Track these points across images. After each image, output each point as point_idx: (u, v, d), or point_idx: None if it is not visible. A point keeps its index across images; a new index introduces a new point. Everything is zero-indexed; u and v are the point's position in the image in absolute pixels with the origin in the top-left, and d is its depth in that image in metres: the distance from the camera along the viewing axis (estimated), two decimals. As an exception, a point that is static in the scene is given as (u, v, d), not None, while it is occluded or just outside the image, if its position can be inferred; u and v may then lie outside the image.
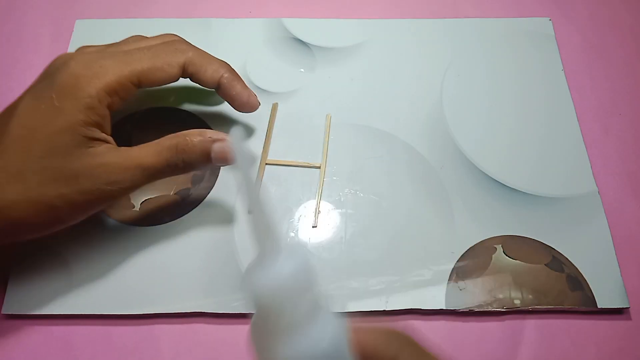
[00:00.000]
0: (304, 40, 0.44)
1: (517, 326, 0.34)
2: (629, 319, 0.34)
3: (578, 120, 0.40)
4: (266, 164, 0.38)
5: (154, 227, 0.36)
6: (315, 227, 0.36)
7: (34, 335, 0.33)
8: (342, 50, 0.43)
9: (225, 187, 0.37)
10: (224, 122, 0.40)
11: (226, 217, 0.36)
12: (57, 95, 0.29)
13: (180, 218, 0.36)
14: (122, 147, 0.31)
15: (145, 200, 0.37)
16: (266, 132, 0.39)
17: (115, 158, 0.30)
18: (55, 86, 0.29)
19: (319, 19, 0.45)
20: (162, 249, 0.35)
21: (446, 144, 0.39)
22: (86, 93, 0.29)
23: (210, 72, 0.33)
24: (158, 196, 0.37)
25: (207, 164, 0.31)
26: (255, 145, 0.39)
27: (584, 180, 0.38)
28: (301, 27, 0.44)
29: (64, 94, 0.29)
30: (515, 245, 0.35)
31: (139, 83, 0.31)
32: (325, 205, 0.37)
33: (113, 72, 0.30)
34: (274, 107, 0.40)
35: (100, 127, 0.30)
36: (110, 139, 0.31)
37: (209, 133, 0.31)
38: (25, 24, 0.45)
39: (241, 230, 0.36)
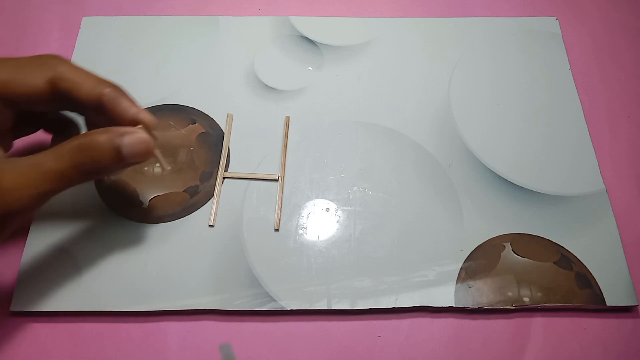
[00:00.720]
0: (312, 38, 0.44)
1: (525, 324, 0.34)
2: (638, 316, 0.34)
3: (586, 120, 0.40)
4: (224, 177, 0.37)
5: (162, 224, 0.36)
6: (277, 229, 0.36)
7: (42, 332, 0.33)
8: (350, 48, 0.43)
9: (234, 184, 0.37)
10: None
11: (235, 215, 0.36)
12: None
13: (189, 215, 0.36)
14: (13, 157, 0.28)
15: (154, 197, 0.37)
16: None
17: (7, 165, 0.27)
18: None
19: (327, 17, 0.45)
20: (170, 247, 0.35)
21: (454, 142, 0.39)
22: None
23: (87, 88, 0.29)
24: (167, 193, 0.37)
25: (121, 162, 0.28)
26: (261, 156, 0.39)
27: (591, 179, 0.38)
28: (309, 26, 0.44)
29: None
30: (524, 243, 0.36)
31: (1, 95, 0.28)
32: (334, 203, 0.37)
33: None
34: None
35: None
36: None
37: (113, 129, 0.28)
38: (34, 21, 0.45)
39: (250, 228, 0.36)
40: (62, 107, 0.31)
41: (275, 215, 0.36)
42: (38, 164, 0.27)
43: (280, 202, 0.36)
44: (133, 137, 0.28)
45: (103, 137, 0.27)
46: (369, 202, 0.37)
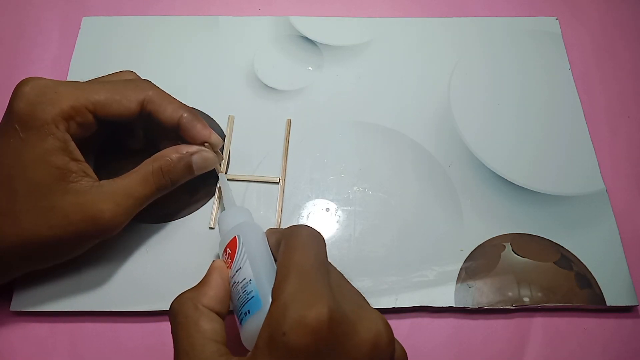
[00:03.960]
0: (312, 38, 0.44)
1: (525, 324, 0.34)
2: (638, 316, 0.34)
3: (586, 120, 0.40)
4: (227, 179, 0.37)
5: (161, 224, 0.36)
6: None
7: (42, 332, 0.33)
8: (350, 48, 0.43)
9: (233, 185, 0.37)
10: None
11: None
12: (20, 127, 0.29)
13: (189, 215, 0.36)
14: (104, 181, 0.31)
15: (154, 197, 0.37)
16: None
17: (105, 195, 0.30)
18: (15, 117, 0.29)
19: (326, 17, 0.45)
20: (170, 247, 0.35)
21: (454, 142, 0.39)
22: (43, 121, 0.29)
23: (170, 112, 0.33)
24: (166, 194, 0.37)
25: (191, 176, 0.34)
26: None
27: (591, 179, 0.38)
28: (309, 26, 0.44)
29: (25, 125, 0.29)
30: (524, 243, 0.36)
31: (95, 111, 0.31)
32: (334, 203, 0.37)
33: (67, 98, 0.30)
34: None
35: (66, 152, 0.30)
36: (86, 167, 0.31)
37: (183, 148, 0.33)
38: (34, 21, 0.45)
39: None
40: (143, 124, 0.35)
41: (276, 218, 0.36)
42: (130, 193, 0.31)
43: (280, 205, 0.36)
44: (202, 155, 0.33)
45: (176, 156, 0.33)
46: (369, 202, 0.37)
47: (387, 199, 0.37)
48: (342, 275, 0.27)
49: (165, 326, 0.33)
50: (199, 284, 0.28)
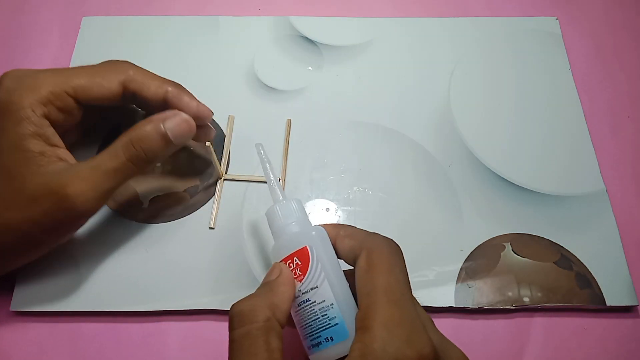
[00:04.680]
0: (312, 38, 0.44)
1: (525, 324, 0.34)
2: (638, 316, 0.34)
3: (586, 120, 0.40)
4: (225, 180, 0.37)
5: (161, 224, 0.36)
6: None
7: (42, 332, 0.33)
8: (350, 48, 0.43)
9: (233, 185, 0.37)
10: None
11: (235, 215, 0.36)
12: None
13: (188, 215, 0.36)
14: (77, 162, 0.30)
15: (154, 197, 0.37)
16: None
17: (71, 172, 0.29)
18: None
19: (327, 17, 0.45)
20: (170, 247, 0.35)
21: (454, 142, 0.39)
22: (19, 105, 0.29)
23: (154, 88, 0.32)
24: (167, 193, 0.37)
25: (169, 144, 0.31)
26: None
27: (591, 179, 0.38)
28: (309, 26, 0.44)
29: (2, 112, 0.29)
30: (523, 243, 0.36)
31: (76, 96, 0.31)
32: (334, 203, 0.37)
33: (47, 83, 0.30)
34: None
35: (42, 137, 0.29)
36: (64, 153, 0.30)
37: (155, 116, 0.31)
38: (34, 21, 0.45)
39: (249, 228, 0.36)
40: (127, 105, 0.34)
41: None
42: (97, 167, 0.29)
43: None
44: (175, 120, 0.31)
45: (149, 127, 0.30)
46: (369, 202, 0.37)
47: (387, 199, 0.37)
48: None
49: (165, 326, 0.33)
50: (266, 290, 0.26)
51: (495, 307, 0.33)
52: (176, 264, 0.34)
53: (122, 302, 0.33)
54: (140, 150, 0.30)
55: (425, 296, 0.34)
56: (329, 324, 0.25)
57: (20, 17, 0.45)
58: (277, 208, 0.29)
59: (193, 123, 0.31)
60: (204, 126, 0.34)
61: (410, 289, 0.25)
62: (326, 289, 0.26)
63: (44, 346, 0.33)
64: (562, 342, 0.33)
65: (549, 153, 0.39)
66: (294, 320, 0.27)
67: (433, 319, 0.33)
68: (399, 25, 0.44)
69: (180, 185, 0.37)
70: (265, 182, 0.37)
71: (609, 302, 0.34)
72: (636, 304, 0.34)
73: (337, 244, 0.27)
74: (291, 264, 0.27)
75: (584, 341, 0.33)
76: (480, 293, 0.34)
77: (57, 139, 0.30)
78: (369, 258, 0.25)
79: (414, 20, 0.45)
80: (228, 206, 0.36)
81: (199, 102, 0.33)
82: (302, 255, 0.26)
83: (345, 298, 0.26)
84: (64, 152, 0.30)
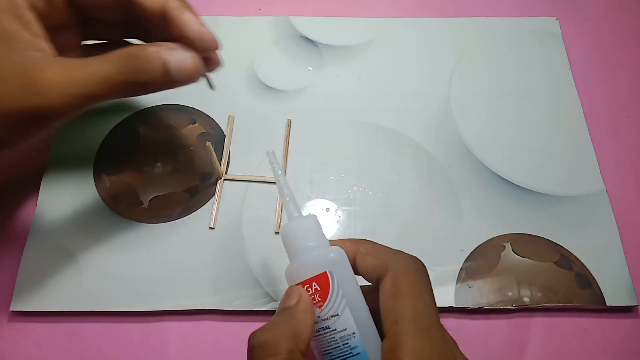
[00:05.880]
0: (312, 38, 0.44)
1: (525, 324, 0.34)
2: (638, 316, 0.34)
3: (586, 120, 0.40)
4: (225, 179, 0.37)
5: (161, 224, 0.36)
6: (278, 233, 0.36)
7: (42, 332, 0.33)
8: (350, 48, 0.43)
9: (233, 185, 0.37)
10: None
11: (235, 215, 0.36)
12: None
13: (188, 215, 0.36)
14: (63, 57, 0.27)
15: (154, 197, 0.37)
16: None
17: (51, 60, 0.26)
18: None
19: (327, 17, 0.45)
20: (170, 247, 0.35)
21: (454, 142, 0.39)
22: None
23: None
24: (167, 193, 0.37)
25: (166, 77, 0.27)
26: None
27: (591, 179, 0.38)
28: (309, 26, 0.44)
29: None
30: (524, 243, 0.36)
31: None
32: (334, 203, 0.37)
33: None
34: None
35: (17, 18, 0.26)
36: (45, 46, 0.27)
37: (168, 44, 0.27)
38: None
39: (249, 228, 0.36)
40: (127, 20, 0.30)
41: (276, 218, 0.36)
42: (85, 64, 0.26)
43: (280, 205, 0.36)
44: (183, 54, 0.27)
45: (153, 48, 0.26)
46: (369, 202, 0.37)
47: (387, 199, 0.37)
48: None
49: (165, 326, 0.33)
50: (286, 318, 0.24)
51: (495, 307, 0.33)
52: (176, 264, 0.34)
53: (122, 302, 0.33)
54: (135, 67, 0.26)
55: (425, 296, 0.34)
56: (351, 353, 0.24)
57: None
58: (293, 226, 0.27)
59: (200, 65, 0.28)
60: (208, 58, 0.29)
61: (438, 314, 0.24)
62: (347, 317, 0.24)
63: (44, 346, 0.33)
64: (562, 342, 0.33)
65: (549, 153, 0.39)
66: (311, 345, 0.25)
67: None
68: (399, 25, 0.44)
69: (180, 185, 0.37)
70: (265, 182, 0.37)
71: (609, 302, 0.34)
72: (636, 304, 0.34)
73: (357, 261, 0.26)
74: (309, 289, 0.25)
75: (584, 341, 0.33)
76: (480, 293, 0.34)
77: (37, 27, 0.26)
78: (394, 281, 0.24)
79: (414, 20, 0.45)
80: (228, 206, 0.36)
81: (203, 25, 0.28)
82: (322, 280, 0.25)
83: (368, 326, 0.24)
84: (45, 45, 0.26)
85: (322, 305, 0.24)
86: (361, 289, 0.25)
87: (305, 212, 0.36)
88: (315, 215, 0.27)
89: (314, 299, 0.25)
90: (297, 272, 0.26)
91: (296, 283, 0.25)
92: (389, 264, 0.24)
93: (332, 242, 0.27)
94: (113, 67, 0.26)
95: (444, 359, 0.22)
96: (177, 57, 0.27)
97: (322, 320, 0.25)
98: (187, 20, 0.28)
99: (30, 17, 0.26)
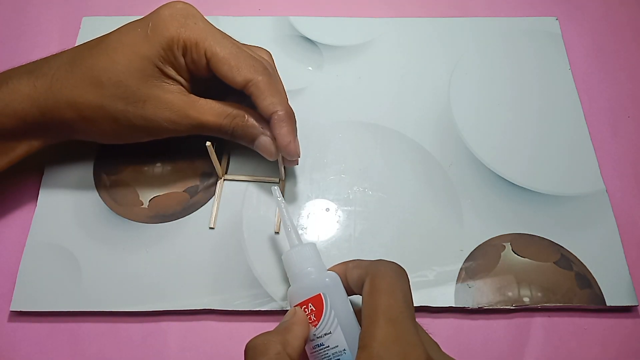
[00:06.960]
0: (312, 38, 0.44)
1: (525, 324, 0.34)
2: (638, 316, 0.34)
3: (586, 120, 0.40)
4: (225, 180, 0.37)
5: (161, 224, 0.36)
6: (277, 232, 0.36)
7: (42, 332, 0.33)
8: (350, 48, 0.43)
9: (233, 185, 0.37)
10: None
11: (234, 215, 0.36)
12: (152, 25, 0.32)
13: (188, 215, 0.36)
14: (193, 95, 0.33)
15: (154, 197, 0.37)
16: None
17: (182, 102, 0.32)
18: (155, 17, 0.32)
19: (327, 17, 0.45)
20: (170, 247, 0.35)
21: (454, 142, 0.39)
22: (169, 34, 0.31)
23: (266, 103, 0.32)
24: (167, 193, 0.37)
25: (248, 144, 0.34)
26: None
27: (591, 179, 0.38)
28: (309, 26, 0.44)
29: (157, 27, 0.31)
30: (524, 243, 0.36)
31: (208, 61, 0.32)
32: (334, 203, 0.37)
33: (198, 33, 0.32)
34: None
35: (175, 68, 0.32)
36: (184, 82, 0.33)
37: (264, 128, 0.33)
38: (34, 21, 0.45)
39: (249, 228, 0.36)
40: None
41: (276, 218, 0.36)
42: (202, 113, 0.33)
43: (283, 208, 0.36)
44: (267, 141, 0.34)
45: (252, 122, 0.33)
46: (369, 202, 0.37)
47: (387, 199, 0.37)
48: None
49: (165, 326, 0.33)
50: (280, 329, 0.27)
51: (495, 307, 0.33)
52: (176, 264, 0.34)
53: (122, 302, 0.33)
54: (231, 130, 0.34)
55: (425, 296, 0.34)
56: None
57: (20, 17, 0.45)
58: (293, 253, 0.30)
59: (274, 153, 0.34)
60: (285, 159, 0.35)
61: (413, 311, 0.26)
62: (339, 335, 0.27)
63: (44, 346, 0.33)
64: (562, 342, 0.33)
65: (549, 153, 0.39)
66: None
67: (433, 320, 0.34)
68: (399, 25, 0.44)
69: (180, 185, 0.37)
70: (265, 182, 0.37)
71: (609, 302, 0.34)
72: (636, 304, 0.34)
73: (347, 277, 0.29)
74: (306, 309, 0.28)
75: (584, 341, 0.33)
76: (480, 293, 0.34)
77: (186, 75, 0.33)
78: (372, 282, 0.26)
79: (413, 21, 0.45)
80: (228, 206, 0.36)
81: (295, 139, 0.33)
82: (317, 302, 0.28)
83: (357, 343, 0.26)
84: (185, 83, 0.33)
85: (317, 324, 0.28)
86: (354, 310, 0.28)
87: (305, 212, 0.37)
88: (314, 244, 0.31)
89: (310, 318, 0.28)
90: (296, 294, 0.29)
91: (295, 304, 0.29)
92: (369, 270, 0.27)
93: (330, 269, 0.30)
94: (219, 124, 0.33)
95: (409, 344, 0.24)
96: (263, 140, 0.34)
97: (317, 337, 0.27)
98: (280, 135, 0.33)
99: (179, 63, 0.33)
